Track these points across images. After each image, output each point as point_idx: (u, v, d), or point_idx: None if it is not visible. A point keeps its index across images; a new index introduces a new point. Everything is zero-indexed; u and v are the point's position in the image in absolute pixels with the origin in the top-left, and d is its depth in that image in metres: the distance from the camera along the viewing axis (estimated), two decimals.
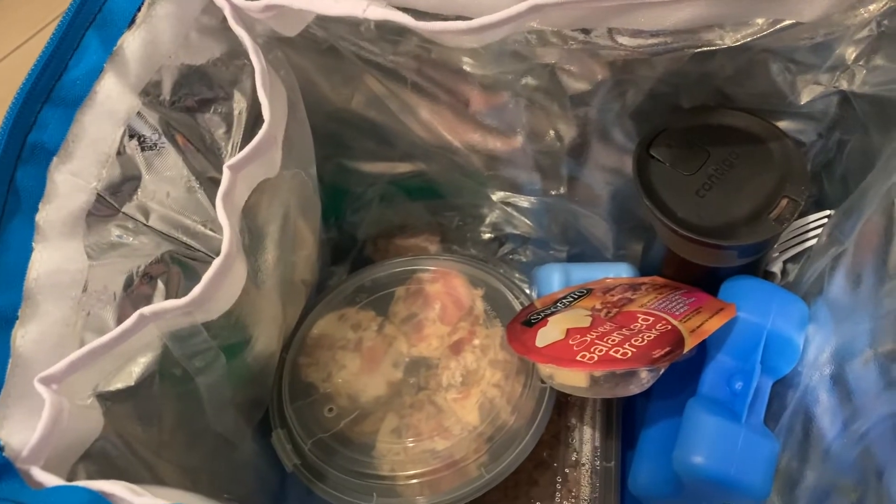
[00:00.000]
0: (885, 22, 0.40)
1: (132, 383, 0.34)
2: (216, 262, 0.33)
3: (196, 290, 0.32)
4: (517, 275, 0.65)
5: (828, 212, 0.49)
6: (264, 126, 0.37)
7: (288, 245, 0.47)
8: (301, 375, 0.51)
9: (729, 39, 0.40)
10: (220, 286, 0.33)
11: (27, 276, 0.32)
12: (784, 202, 0.43)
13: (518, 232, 0.62)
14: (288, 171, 0.45)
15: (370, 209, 0.61)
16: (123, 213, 0.38)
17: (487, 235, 0.64)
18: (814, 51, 0.42)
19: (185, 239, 0.40)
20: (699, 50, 0.41)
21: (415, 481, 0.46)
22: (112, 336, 0.30)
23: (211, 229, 0.41)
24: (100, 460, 0.32)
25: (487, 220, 0.62)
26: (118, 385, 0.34)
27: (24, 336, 0.31)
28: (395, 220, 0.62)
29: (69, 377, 0.30)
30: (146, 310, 0.31)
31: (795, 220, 0.44)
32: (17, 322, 0.31)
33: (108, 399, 0.33)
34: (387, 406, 0.49)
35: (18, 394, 0.30)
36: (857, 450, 0.39)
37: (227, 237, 0.34)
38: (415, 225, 0.63)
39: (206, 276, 0.32)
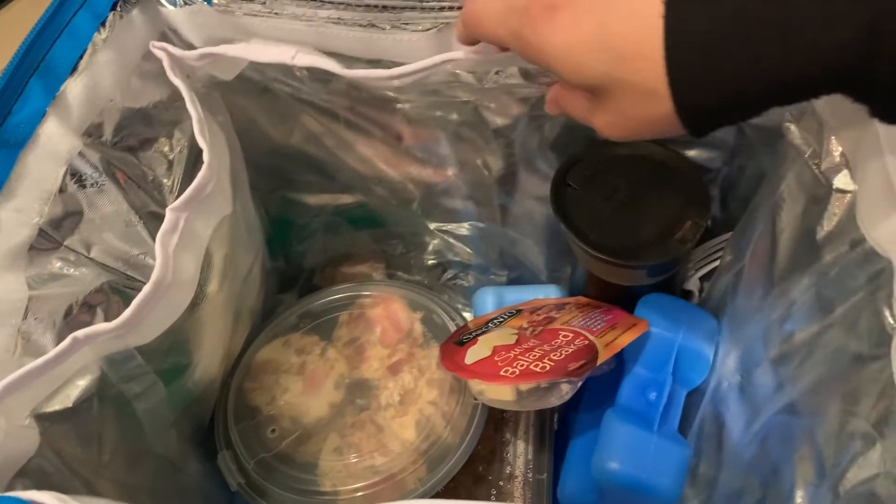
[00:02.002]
0: None
1: (70, 405, 0.36)
2: (145, 289, 0.35)
3: (125, 313, 0.34)
4: (461, 299, 0.68)
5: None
6: (203, 169, 0.40)
7: (230, 275, 0.50)
8: (246, 399, 0.53)
9: None
10: (150, 311, 0.36)
11: None
12: (688, 224, 0.46)
13: (459, 258, 0.65)
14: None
15: (315, 239, 0.64)
16: (65, 246, 0.40)
17: (431, 262, 0.67)
18: None
19: (125, 270, 0.42)
20: None
21: (356, 495, 0.48)
22: (47, 359, 0.33)
23: (150, 260, 0.44)
24: (37, 477, 0.34)
25: (430, 248, 0.65)
26: (56, 406, 0.36)
27: None
28: (341, 248, 0.65)
29: (6, 399, 0.32)
30: (79, 333, 0.34)
31: (701, 240, 0.47)
32: None
33: (46, 419, 0.35)
34: (329, 426, 0.51)
35: None
36: (755, 448, 0.42)
37: (158, 267, 0.37)
38: (360, 253, 0.66)
39: (135, 301, 0.35)
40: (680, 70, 0.24)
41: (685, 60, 0.24)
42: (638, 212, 0.48)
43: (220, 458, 0.50)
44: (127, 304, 0.41)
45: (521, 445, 0.54)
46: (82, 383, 0.37)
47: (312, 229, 0.63)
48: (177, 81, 0.41)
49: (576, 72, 0.27)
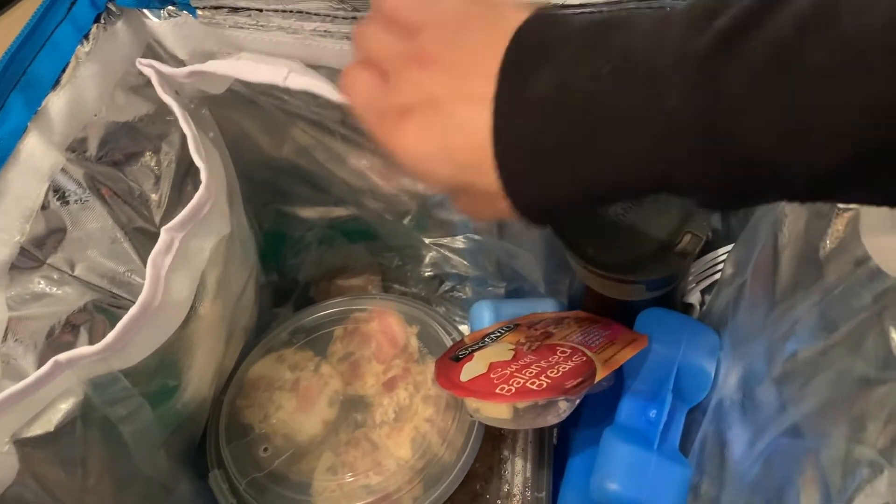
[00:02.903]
0: None
1: (52, 429, 0.35)
2: (131, 310, 0.34)
3: (109, 336, 0.33)
4: (459, 311, 0.67)
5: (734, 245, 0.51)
6: (201, 189, 0.39)
7: (223, 294, 0.49)
8: (238, 416, 0.52)
9: None
10: (136, 334, 0.35)
11: None
12: (687, 238, 0.45)
13: (456, 271, 0.64)
14: None
15: (310, 252, 0.63)
16: (48, 264, 0.39)
17: (427, 274, 0.66)
18: None
19: (110, 288, 0.41)
20: None
21: None
22: (27, 383, 0.32)
23: (136, 277, 0.43)
24: None
25: (426, 260, 0.64)
26: (37, 431, 0.35)
27: None
28: (336, 261, 0.64)
29: None
30: (61, 356, 0.33)
31: (700, 253, 0.46)
32: None
33: (26, 445, 0.34)
34: (323, 444, 0.50)
35: None
36: (758, 469, 0.41)
37: (147, 288, 0.36)
38: (355, 266, 0.65)
39: (120, 323, 0.34)
40: (510, 178, 0.28)
41: (513, 171, 0.28)
42: (636, 226, 0.46)
43: (212, 478, 0.49)
44: (113, 324, 0.40)
45: (519, 463, 0.53)
46: (65, 407, 0.36)
47: (307, 242, 0.62)
48: (167, 99, 0.40)
49: (427, 177, 0.31)
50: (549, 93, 0.26)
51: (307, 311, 0.58)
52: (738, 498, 0.43)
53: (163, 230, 0.37)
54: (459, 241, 0.60)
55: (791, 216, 0.38)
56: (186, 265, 0.38)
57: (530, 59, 0.27)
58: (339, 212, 0.59)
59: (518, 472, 0.53)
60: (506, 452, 0.54)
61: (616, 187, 0.27)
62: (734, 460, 0.44)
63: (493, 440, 0.53)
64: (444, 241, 0.61)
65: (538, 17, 0.29)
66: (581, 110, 0.26)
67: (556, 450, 0.55)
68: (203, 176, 0.39)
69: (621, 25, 0.27)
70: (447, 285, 0.66)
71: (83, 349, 0.33)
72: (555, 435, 0.56)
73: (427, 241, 0.61)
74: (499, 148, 0.27)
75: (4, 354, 0.35)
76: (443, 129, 0.29)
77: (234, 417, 0.52)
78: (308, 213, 0.59)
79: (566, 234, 0.47)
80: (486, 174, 0.28)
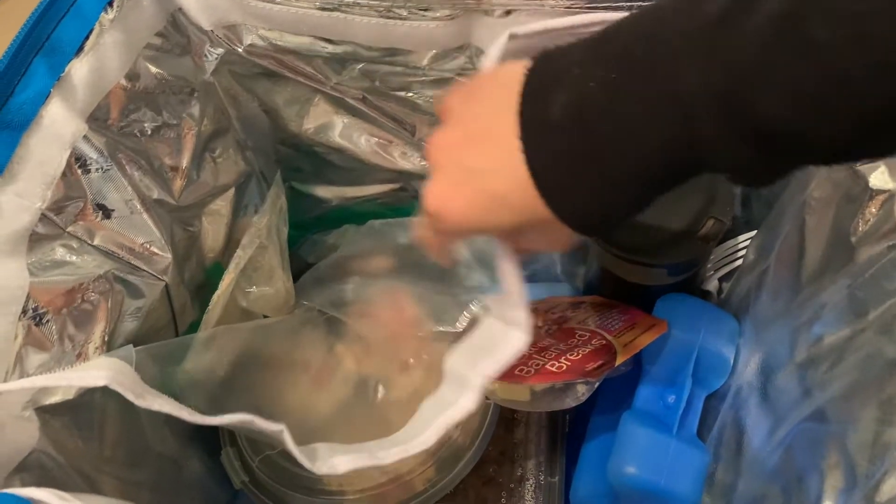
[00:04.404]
0: None
1: (71, 397, 0.35)
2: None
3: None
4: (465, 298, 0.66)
5: (755, 232, 0.50)
6: None
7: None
8: (252, 394, 0.52)
9: None
10: None
11: None
12: (710, 223, 0.45)
13: (472, 253, 0.64)
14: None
15: (324, 232, 0.62)
16: (68, 232, 0.39)
17: None
18: None
19: (128, 258, 0.41)
20: None
21: (361, 496, 0.47)
22: (70, 380, 0.31)
23: (155, 249, 0.42)
24: (36, 472, 0.32)
25: None
26: (57, 399, 0.35)
27: None
28: (348, 242, 0.63)
29: (11, 394, 0.31)
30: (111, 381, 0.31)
31: (723, 239, 0.46)
32: None
33: (46, 412, 0.34)
34: (335, 423, 0.50)
35: None
36: (779, 456, 0.40)
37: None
38: (368, 247, 0.64)
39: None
40: (557, 202, 0.29)
41: (557, 194, 0.29)
42: (659, 209, 0.45)
43: (224, 456, 0.49)
44: (130, 294, 0.40)
45: (532, 447, 0.53)
46: None
47: (321, 222, 0.61)
48: None
49: (494, 229, 0.32)
50: (567, 112, 0.28)
51: (319, 291, 0.58)
52: (755, 484, 0.43)
53: None
54: None
55: (820, 200, 0.38)
56: None
57: (543, 89, 0.29)
58: (356, 191, 0.59)
59: (531, 455, 0.52)
60: (519, 436, 0.54)
61: (657, 180, 0.28)
62: (752, 447, 0.43)
63: (506, 424, 0.53)
64: None
65: (542, 55, 0.30)
66: (602, 119, 0.27)
67: (568, 435, 0.55)
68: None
69: (618, 29, 0.28)
70: (460, 268, 0.66)
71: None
72: (567, 421, 0.56)
73: None
74: (537, 177, 0.28)
75: (26, 320, 0.35)
76: (487, 182, 0.30)
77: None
78: (324, 191, 0.59)
79: None
80: (538, 206, 0.29)
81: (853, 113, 0.23)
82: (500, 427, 0.52)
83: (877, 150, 0.26)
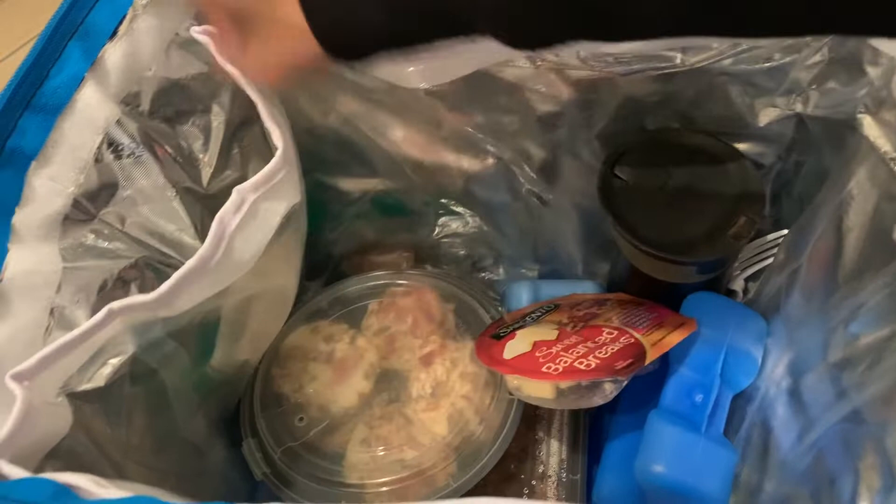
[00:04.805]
0: (836, 48, 0.41)
1: (102, 384, 0.35)
2: (189, 263, 0.34)
3: (163, 286, 0.33)
4: (490, 293, 0.66)
5: (785, 231, 0.50)
6: (277, 156, 0.38)
7: (281, 262, 0.48)
8: (273, 386, 0.52)
9: (687, 62, 0.41)
10: (189, 286, 0.34)
11: (1, 276, 0.33)
12: (742, 220, 0.44)
13: (490, 250, 0.64)
14: None
15: (346, 225, 0.62)
16: (100, 218, 0.39)
17: (461, 253, 0.65)
18: (770, 74, 0.43)
19: (159, 246, 0.41)
20: (659, 73, 0.43)
21: (383, 489, 0.47)
22: (81, 331, 0.31)
23: (185, 237, 0.42)
24: (67, 458, 0.32)
25: (461, 239, 0.64)
26: (88, 385, 0.34)
27: None
28: (370, 236, 0.63)
29: (40, 374, 0.30)
30: (115, 304, 0.32)
31: (754, 238, 0.46)
32: None
33: (78, 398, 0.34)
34: (357, 417, 0.50)
35: None
36: (810, 459, 0.40)
37: (208, 244, 0.35)
38: (389, 242, 0.64)
39: (176, 275, 0.33)
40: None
41: None
42: (689, 206, 0.46)
43: (245, 446, 0.49)
44: (161, 281, 0.40)
45: (554, 444, 0.52)
46: (115, 362, 0.36)
47: (343, 215, 0.61)
48: (230, 69, 0.39)
49: None
50: None
51: (343, 284, 0.57)
52: (783, 486, 0.43)
53: (234, 190, 0.36)
54: (499, 220, 0.60)
55: (859, 198, 0.38)
56: (255, 227, 0.37)
57: None
58: (379, 185, 0.58)
59: (553, 453, 0.52)
60: (541, 433, 0.53)
61: (410, 19, 0.27)
62: (780, 448, 0.43)
63: (527, 421, 0.53)
64: (484, 218, 0.60)
65: None
66: None
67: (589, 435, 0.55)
68: (279, 142, 0.38)
69: None
70: (480, 265, 0.66)
71: (137, 297, 0.33)
72: (587, 418, 0.55)
73: (466, 217, 0.60)
74: None
75: (58, 305, 0.34)
76: None
77: (268, 387, 0.51)
78: (348, 184, 0.58)
79: (618, 213, 0.46)
80: (289, 3, 0.28)
81: None
82: (521, 424, 0.51)
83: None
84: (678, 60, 0.41)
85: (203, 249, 0.34)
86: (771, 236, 0.51)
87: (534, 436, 0.53)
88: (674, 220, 0.45)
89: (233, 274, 0.37)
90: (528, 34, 0.26)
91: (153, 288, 0.38)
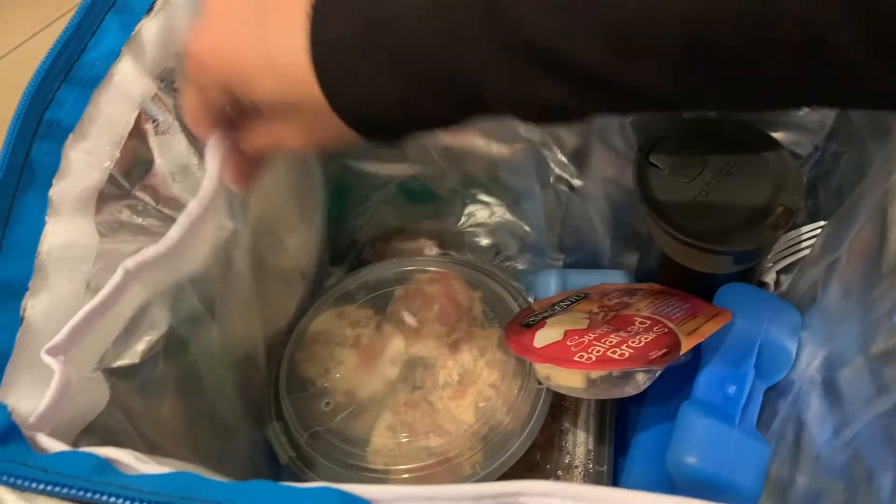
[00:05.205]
0: None
1: (137, 360, 0.35)
2: (191, 205, 0.34)
3: (172, 232, 0.33)
4: (514, 283, 0.66)
5: (821, 223, 0.49)
6: None
7: (276, 224, 0.48)
8: (298, 370, 0.51)
9: None
10: (196, 234, 0.34)
11: (39, 249, 0.32)
12: (780, 210, 0.44)
13: (515, 239, 0.63)
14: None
15: (371, 211, 0.61)
16: (133, 194, 0.38)
17: (485, 242, 0.64)
18: None
19: None
20: None
21: (407, 476, 0.46)
22: (103, 295, 0.31)
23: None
24: (103, 434, 0.32)
25: (486, 227, 0.63)
26: (123, 361, 0.34)
27: (34, 307, 0.31)
28: (395, 222, 0.63)
29: (74, 347, 0.30)
30: (129, 262, 0.32)
31: (790, 229, 0.45)
32: (28, 293, 0.31)
33: (113, 375, 0.33)
34: (382, 403, 0.49)
35: (25, 362, 0.30)
36: (848, 454, 0.39)
37: (208, 180, 0.35)
38: (414, 228, 0.63)
39: (182, 219, 0.34)
40: (330, 82, 0.28)
41: (332, 74, 0.28)
42: (726, 195, 0.45)
43: (271, 430, 0.48)
44: None
45: (581, 435, 0.52)
46: (148, 339, 0.36)
47: (369, 200, 0.61)
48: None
49: (252, 87, 0.30)
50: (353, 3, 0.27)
51: (369, 270, 0.57)
52: (815, 480, 0.42)
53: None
54: (525, 208, 0.59)
55: None
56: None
57: None
58: (406, 170, 0.58)
59: (580, 443, 0.52)
60: (567, 424, 0.53)
61: (438, 94, 0.27)
62: (815, 443, 0.42)
63: (553, 411, 0.52)
64: (510, 206, 0.59)
65: None
66: (378, 10, 0.27)
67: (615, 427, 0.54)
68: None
69: None
70: (504, 254, 0.65)
71: (148, 250, 0.33)
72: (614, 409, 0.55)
73: (492, 205, 0.59)
74: (315, 50, 0.27)
75: (93, 281, 0.34)
76: (263, 41, 0.29)
77: (293, 371, 0.51)
78: (375, 169, 0.58)
79: (653, 201, 0.46)
80: (310, 86, 0.28)
81: (608, 24, 0.23)
82: (547, 415, 0.51)
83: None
84: None
85: (205, 188, 0.34)
86: (806, 228, 0.51)
87: (560, 426, 0.53)
88: (710, 208, 0.45)
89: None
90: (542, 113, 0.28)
91: None
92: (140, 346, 0.35)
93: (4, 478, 0.25)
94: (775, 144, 0.46)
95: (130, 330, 0.34)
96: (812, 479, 0.43)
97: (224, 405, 0.44)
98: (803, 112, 0.46)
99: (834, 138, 0.47)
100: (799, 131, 0.48)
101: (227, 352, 0.42)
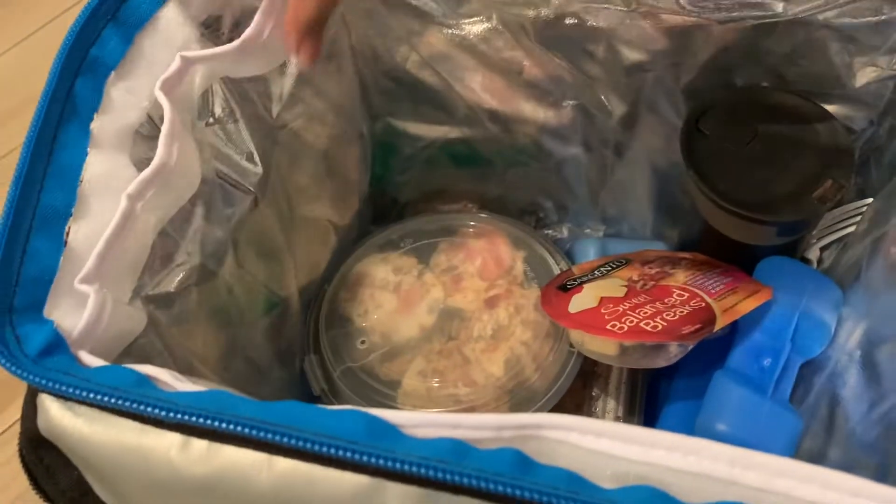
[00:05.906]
0: None
1: (171, 289, 0.36)
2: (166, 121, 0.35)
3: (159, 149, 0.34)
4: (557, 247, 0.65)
5: (869, 200, 0.48)
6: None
7: (305, 175, 0.49)
8: (339, 308, 0.53)
9: (789, 11, 0.39)
10: (184, 151, 0.36)
11: (81, 177, 0.33)
12: (828, 183, 0.43)
13: (557, 207, 0.63)
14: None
15: (414, 172, 0.61)
16: None
17: (526, 208, 0.64)
18: (876, 30, 0.41)
19: (223, 168, 0.41)
20: (758, 22, 0.41)
21: None
22: (115, 223, 0.32)
23: (248, 162, 0.42)
24: (141, 357, 0.33)
25: (528, 193, 0.63)
26: (159, 290, 0.35)
27: (77, 232, 0.32)
28: (437, 185, 0.63)
29: (104, 275, 0.31)
30: (129, 188, 0.33)
31: (838, 204, 0.44)
32: (71, 218, 0.32)
33: (150, 302, 0.35)
34: (416, 349, 0.50)
35: (68, 285, 0.31)
36: (881, 430, 0.39)
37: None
38: (456, 191, 0.63)
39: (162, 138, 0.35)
40: None
41: None
42: (774, 165, 0.44)
43: (307, 362, 0.50)
44: (226, 201, 0.41)
45: (611, 402, 0.52)
46: (183, 269, 0.37)
47: (412, 161, 0.60)
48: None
49: None
50: None
51: (415, 220, 0.58)
52: (846, 456, 0.41)
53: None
54: (569, 176, 0.58)
55: None
56: None
57: None
58: (451, 132, 0.57)
59: (609, 410, 0.51)
60: (596, 391, 0.53)
61: None
62: (850, 419, 0.42)
63: (584, 377, 0.52)
64: (554, 172, 0.59)
65: None
66: None
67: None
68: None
69: None
70: (544, 222, 0.65)
71: (143, 173, 0.34)
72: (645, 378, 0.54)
73: (535, 170, 0.59)
74: None
75: (133, 215, 0.35)
76: None
77: (334, 308, 0.52)
78: (419, 130, 0.58)
79: (699, 168, 0.45)
80: None
81: None
82: (577, 380, 0.51)
83: None
84: (780, 9, 0.39)
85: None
86: (853, 205, 0.49)
87: (590, 392, 0.52)
88: (757, 178, 0.44)
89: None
90: None
91: (219, 206, 0.39)
92: (175, 276, 0.36)
93: (51, 384, 0.26)
94: (828, 117, 0.45)
95: (165, 261, 0.35)
96: (845, 453, 0.42)
97: (256, 346, 0.45)
98: (860, 83, 0.45)
99: (890, 112, 0.45)
100: (854, 104, 0.46)
101: (257, 294, 0.43)
